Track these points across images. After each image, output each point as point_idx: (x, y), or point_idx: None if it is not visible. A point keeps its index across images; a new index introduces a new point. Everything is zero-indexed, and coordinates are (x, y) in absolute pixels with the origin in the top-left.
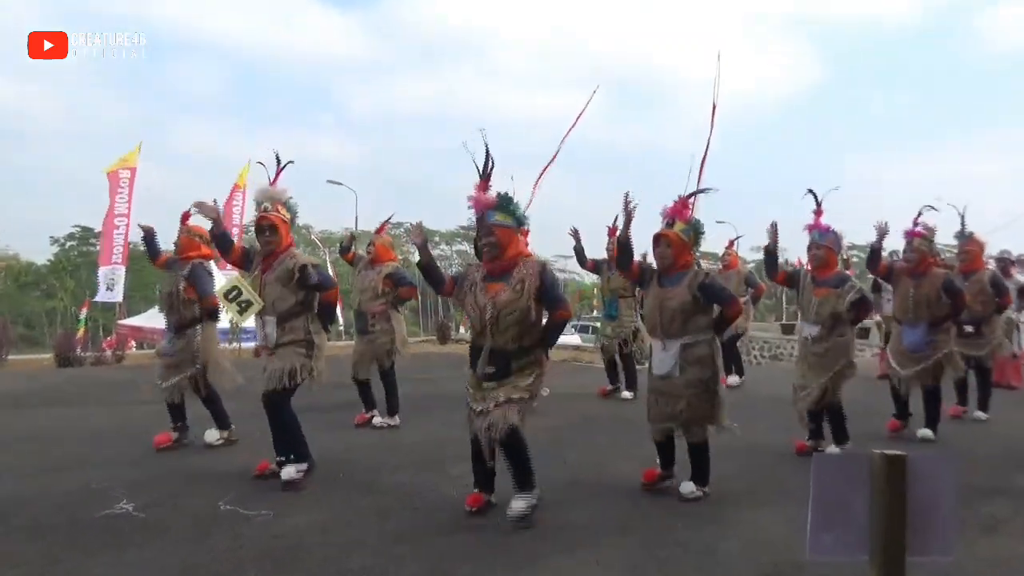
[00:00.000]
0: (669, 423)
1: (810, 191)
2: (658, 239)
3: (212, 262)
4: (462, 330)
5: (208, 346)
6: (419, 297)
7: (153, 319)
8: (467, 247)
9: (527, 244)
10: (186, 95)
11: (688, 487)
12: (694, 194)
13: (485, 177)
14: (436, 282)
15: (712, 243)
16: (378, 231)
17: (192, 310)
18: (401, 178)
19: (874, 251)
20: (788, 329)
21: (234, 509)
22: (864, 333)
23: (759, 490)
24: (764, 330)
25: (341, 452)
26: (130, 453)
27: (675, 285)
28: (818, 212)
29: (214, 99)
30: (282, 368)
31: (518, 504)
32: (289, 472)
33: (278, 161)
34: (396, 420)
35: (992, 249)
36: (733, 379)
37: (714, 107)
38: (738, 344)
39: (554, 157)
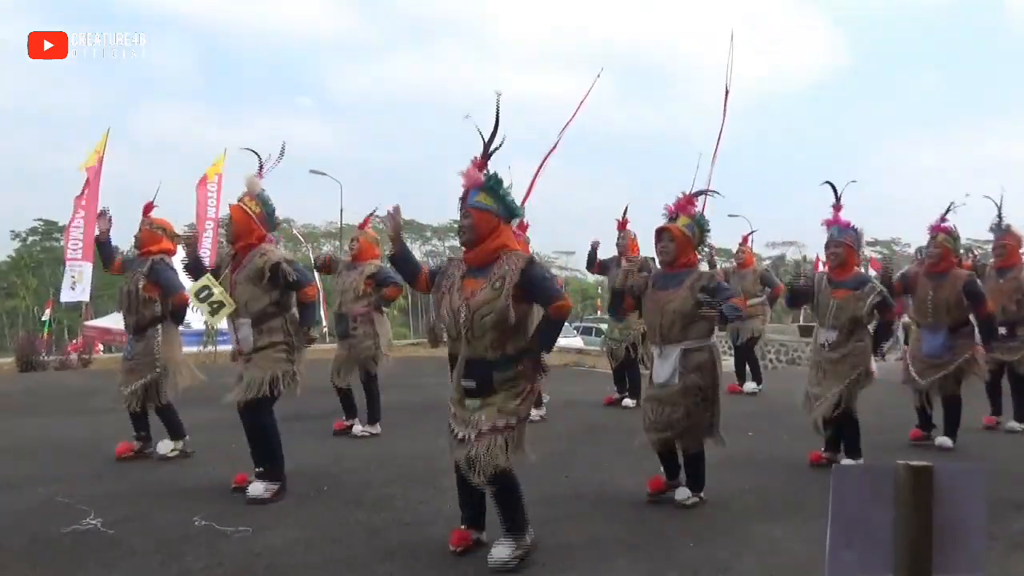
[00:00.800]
0: (666, 432)
1: (828, 183)
2: (660, 233)
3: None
4: None
5: (169, 348)
6: (408, 296)
7: (122, 320)
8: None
9: (523, 238)
10: (151, 76)
11: (683, 493)
12: (700, 193)
13: (486, 153)
14: (409, 275)
15: (726, 238)
16: (361, 225)
17: (152, 309)
18: (390, 168)
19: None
20: (806, 331)
21: (210, 525)
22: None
23: (775, 504)
24: (781, 332)
25: (327, 463)
26: (98, 465)
27: (676, 286)
28: (837, 207)
29: (182, 81)
30: (262, 376)
31: (501, 550)
32: (257, 489)
33: (281, 151)
34: (377, 428)
35: None
36: (750, 386)
37: (727, 92)
38: (755, 349)
39: (554, 147)
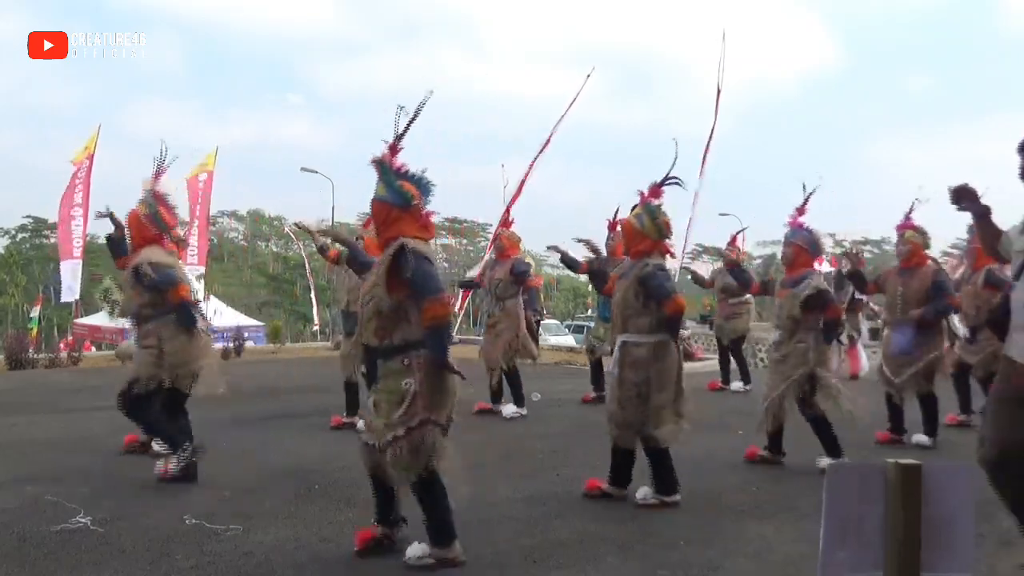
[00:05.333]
0: (609, 423)
1: (803, 185)
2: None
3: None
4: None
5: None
6: None
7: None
8: (451, 240)
9: (508, 234)
10: (141, 74)
11: (642, 492)
12: (664, 181)
13: (395, 142)
14: (360, 270)
15: (717, 237)
16: (364, 225)
17: None
18: None
19: (841, 278)
20: None
21: (200, 523)
22: (875, 334)
23: (766, 503)
24: (765, 330)
25: (317, 462)
26: (86, 463)
27: (626, 278)
28: (800, 210)
29: (172, 79)
30: (129, 374)
31: (414, 549)
32: (157, 468)
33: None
34: None
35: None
36: (736, 385)
37: (719, 91)
38: (742, 348)
39: (545, 145)
